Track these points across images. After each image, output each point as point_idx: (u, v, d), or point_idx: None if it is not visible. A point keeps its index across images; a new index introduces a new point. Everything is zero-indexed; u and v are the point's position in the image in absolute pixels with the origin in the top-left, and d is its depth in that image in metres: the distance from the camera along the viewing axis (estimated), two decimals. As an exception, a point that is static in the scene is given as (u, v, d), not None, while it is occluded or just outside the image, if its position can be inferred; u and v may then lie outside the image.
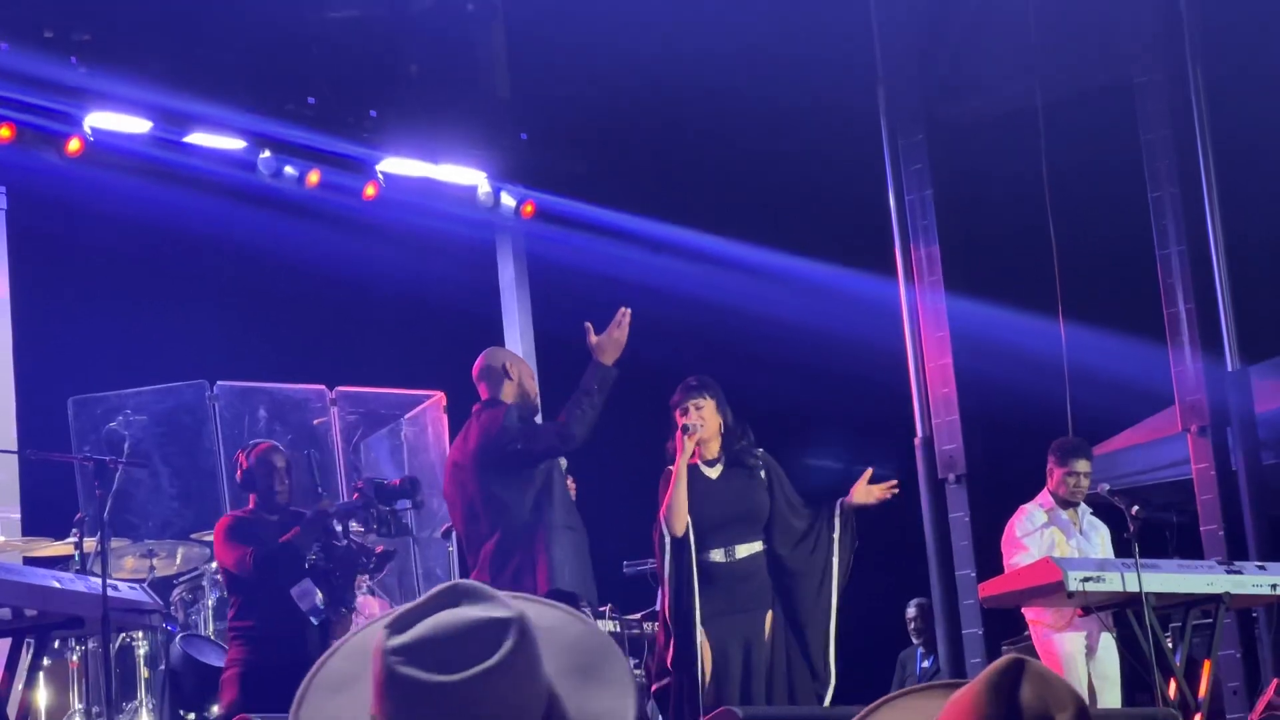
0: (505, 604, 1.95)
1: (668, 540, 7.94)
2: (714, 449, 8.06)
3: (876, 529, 13.54)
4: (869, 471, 8.16)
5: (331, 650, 2.12)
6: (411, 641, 1.92)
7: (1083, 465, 9.54)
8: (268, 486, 8.46)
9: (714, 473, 8.07)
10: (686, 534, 7.88)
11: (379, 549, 8.62)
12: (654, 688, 8.20)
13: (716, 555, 7.88)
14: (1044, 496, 9.59)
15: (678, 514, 7.87)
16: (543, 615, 2.03)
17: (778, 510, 7.97)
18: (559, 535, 7.74)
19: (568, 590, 7.66)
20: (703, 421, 7.97)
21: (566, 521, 7.82)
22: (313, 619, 8.39)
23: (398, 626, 1.95)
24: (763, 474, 8.02)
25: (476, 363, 8.04)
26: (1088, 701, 8.77)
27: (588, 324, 7.98)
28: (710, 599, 7.81)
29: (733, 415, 8.07)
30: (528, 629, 1.93)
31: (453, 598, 1.95)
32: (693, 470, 8.05)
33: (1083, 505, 9.50)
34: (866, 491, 8.09)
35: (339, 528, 8.42)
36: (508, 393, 7.86)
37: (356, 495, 8.60)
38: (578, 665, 2.02)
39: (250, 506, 8.58)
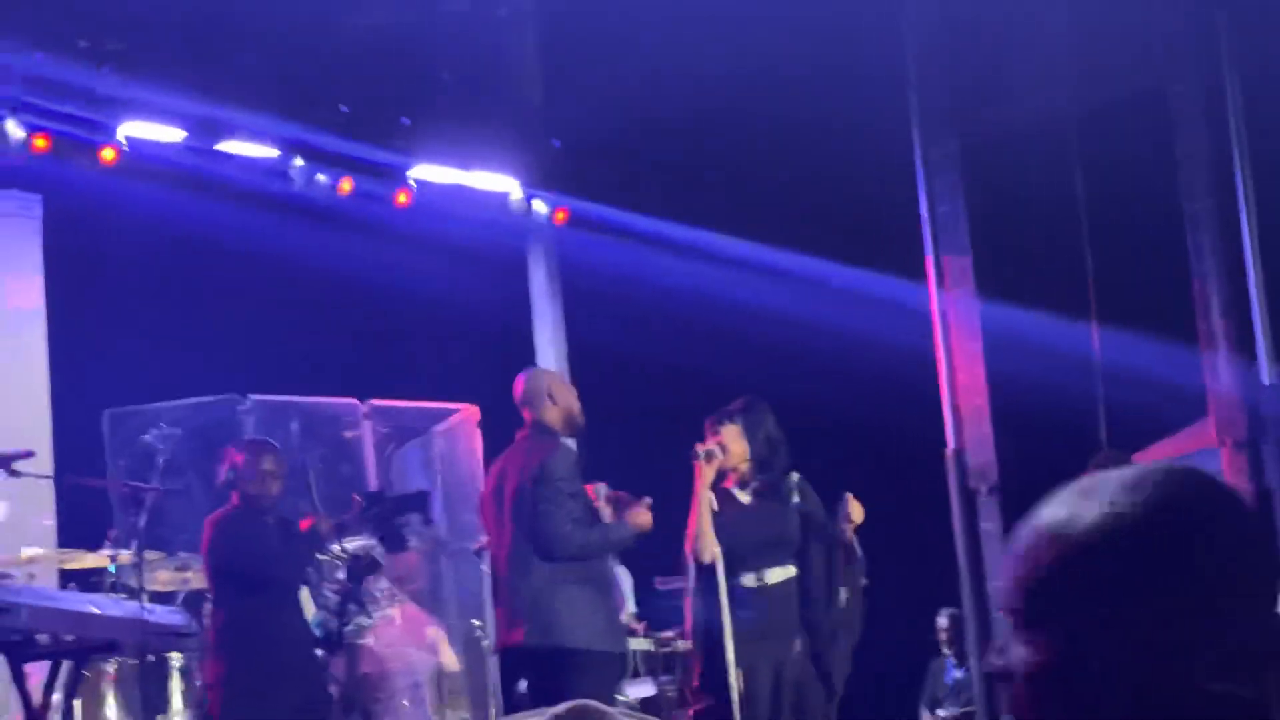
0: None
1: (693, 565, 7.96)
2: (745, 473, 8.06)
3: (909, 540, 13.59)
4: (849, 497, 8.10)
5: None
6: None
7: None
8: (261, 487, 8.42)
9: (746, 497, 8.06)
10: (715, 560, 7.88)
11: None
12: (690, 711, 8.20)
13: (748, 580, 7.88)
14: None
15: (703, 543, 7.87)
16: None
17: (807, 539, 7.96)
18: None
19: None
20: (722, 450, 7.98)
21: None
22: (316, 631, 8.43)
23: None
24: (796, 498, 8.01)
25: (518, 383, 7.96)
26: None
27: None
28: (740, 623, 7.81)
29: (767, 438, 8.05)
30: None
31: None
32: (725, 494, 8.05)
33: None
34: (857, 510, 8.05)
35: (336, 547, 8.42)
36: (554, 417, 7.81)
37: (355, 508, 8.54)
38: None
39: (235, 504, 8.51)
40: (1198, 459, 12.06)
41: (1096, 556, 1.71)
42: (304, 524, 8.48)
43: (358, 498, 8.64)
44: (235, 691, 8.20)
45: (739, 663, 7.76)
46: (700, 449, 7.98)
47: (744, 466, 8.07)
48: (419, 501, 8.56)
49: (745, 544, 7.90)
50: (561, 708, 2.02)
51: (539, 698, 7.32)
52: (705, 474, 7.92)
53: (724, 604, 7.83)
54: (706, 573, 7.92)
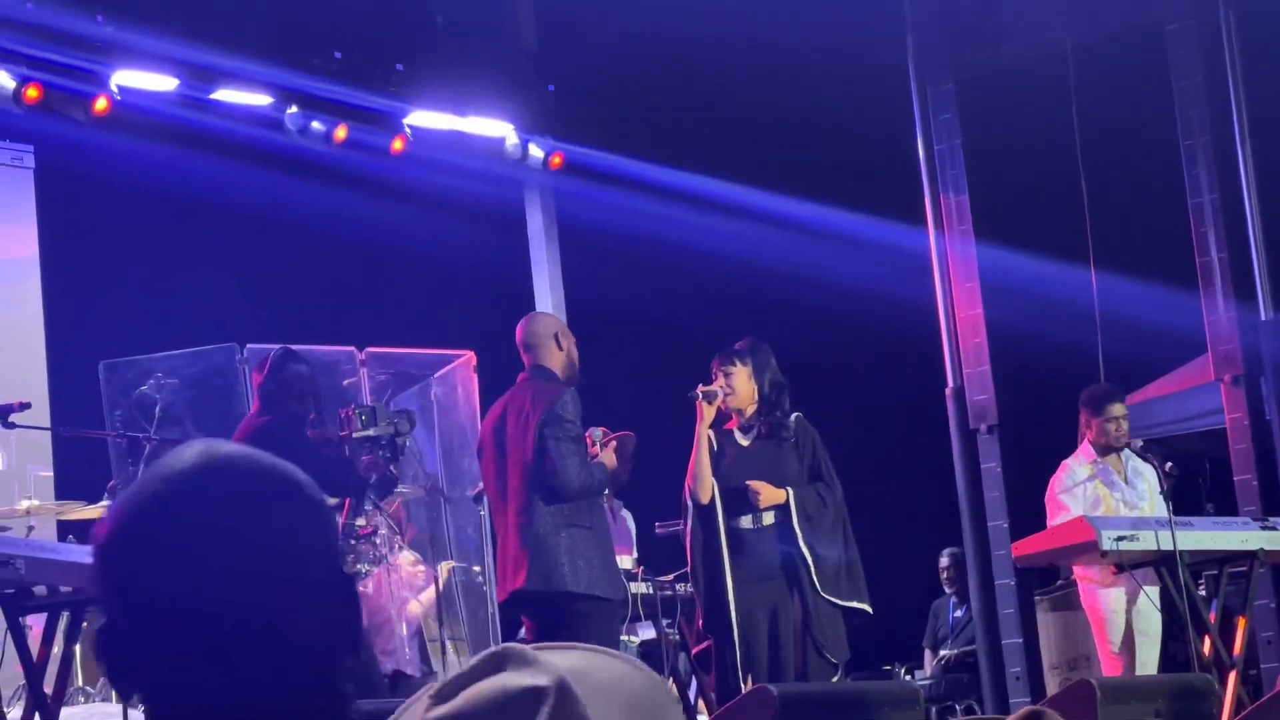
0: (546, 669, 1.93)
1: (691, 506, 7.95)
2: (749, 416, 8.05)
3: (910, 480, 13.61)
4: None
5: None
6: (451, 714, 1.91)
7: (1118, 409, 9.52)
8: (304, 406, 8.19)
9: (746, 440, 8.06)
10: (714, 500, 7.87)
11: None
12: (694, 650, 8.22)
13: (745, 522, 7.88)
14: (1085, 449, 9.57)
15: (701, 482, 7.87)
16: (605, 667, 2.01)
17: (803, 481, 7.93)
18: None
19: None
20: (730, 390, 7.95)
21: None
22: None
23: (441, 696, 1.94)
24: (794, 442, 8.00)
25: (521, 326, 7.89)
26: (1127, 659, 8.77)
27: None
28: (739, 565, 7.81)
29: (773, 381, 8.03)
30: (567, 695, 1.92)
31: (496, 664, 1.94)
32: (726, 436, 8.04)
33: (1126, 450, 9.46)
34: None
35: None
36: (556, 362, 7.75)
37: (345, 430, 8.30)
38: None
39: (267, 419, 8.09)
40: (1196, 394, 12.07)
41: (123, 531, 1.88)
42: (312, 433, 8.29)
43: (352, 411, 8.44)
44: None
45: (738, 604, 7.77)
46: (701, 389, 7.96)
47: (750, 409, 8.05)
48: (409, 418, 8.40)
49: (742, 486, 7.89)
50: (479, 656, 1.99)
51: (547, 638, 7.29)
52: (706, 414, 7.91)
53: (723, 546, 7.83)
54: (705, 514, 7.92)
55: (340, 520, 8.08)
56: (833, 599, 7.79)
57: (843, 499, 8.03)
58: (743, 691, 7.33)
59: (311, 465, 7.37)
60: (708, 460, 7.90)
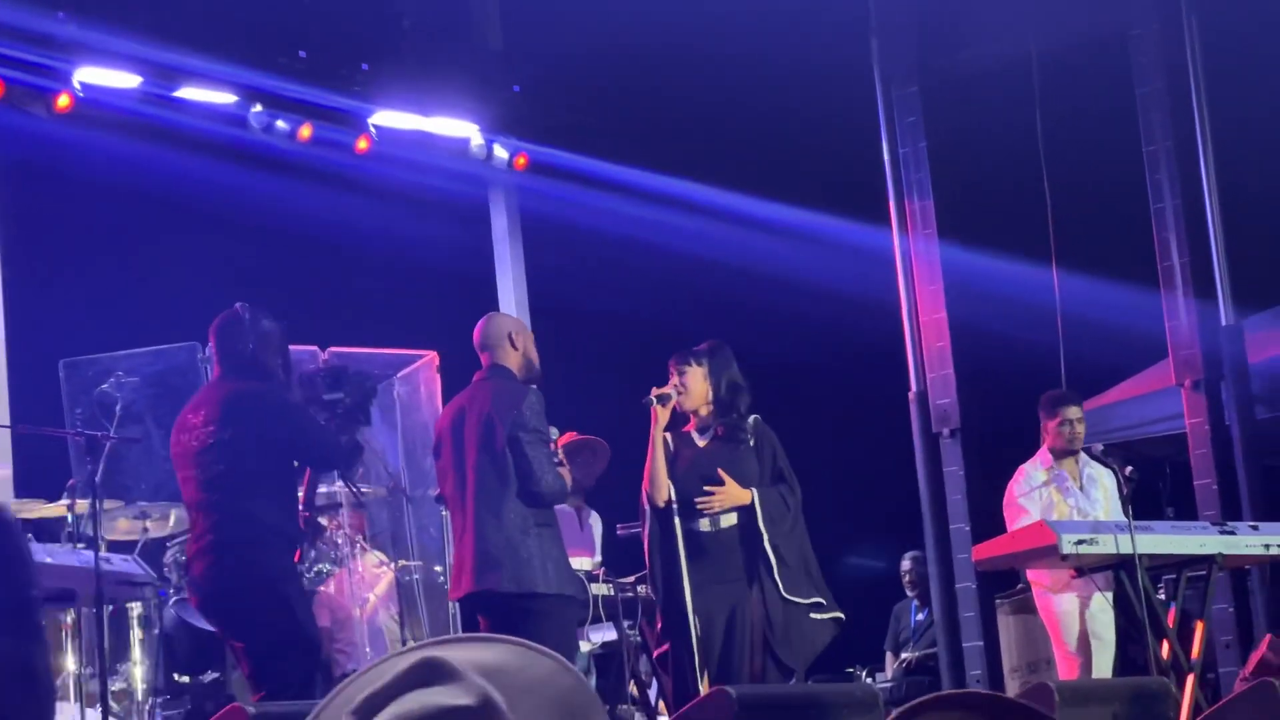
0: (471, 686, 1.91)
1: (649, 509, 7.94)
2: (705, 417, 8.04)
3: (872, 484, 13.63)
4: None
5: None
6: None
7: (1073, 412, 9.57)
8: (287, 367, 7.49)
9: (703, 441, 8.05)
10: (670, 504, 7.87)
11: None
12: (655, 653, 8.20)
13: (703, 524, 7.87)
14: (1043, 454, 9.61)
15: (657, 485, 7.86)
16: (534, 664, 2.00)
17: (763, 482, 7.92)
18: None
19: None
20: (684, 390, 7.95)
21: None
22: None
23: (362, 713, 1.91)
24: (752, 443, 7.98)
25: (478, 328, 7.86)
26: (1083, 661, 8.81)
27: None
28: (697, 568, 7.80)
29: (730, 383, 8.01)
30: (493, 713, 1.90)
31: (421, 677, 1.92)
32: (683, 438, 8.04)
33: (1083, 456, 9.50)
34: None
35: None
36: (512, 361, 7.73)
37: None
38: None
39: (255, 384, 7.28)
40: (1157, 399, 12.12)
41: None
42: None
43: (324, 358, 8.18)
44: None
45: (696, 607, 7.76)
46: (655, 393, 7.95)
47: (705, 410, 8.04)
48: (374, 384, 8.11)
49: (699, 488, 7.88)
50: (401, 665, 1.96)
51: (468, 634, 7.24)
52: (660, 417, 7.91)
53: (680, 549, 7.82)
54: (662, 517, 7.91)
55: (301, 494, 7.72)
56: (797, 599, 7.78)
57: (801, 501, 8.02)
58: (701, 694, 7.35)
59: (315, 435, 7.17)
60: (663, 463, 7.89)
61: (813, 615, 7.82)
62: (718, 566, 7.82)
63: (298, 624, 7.04)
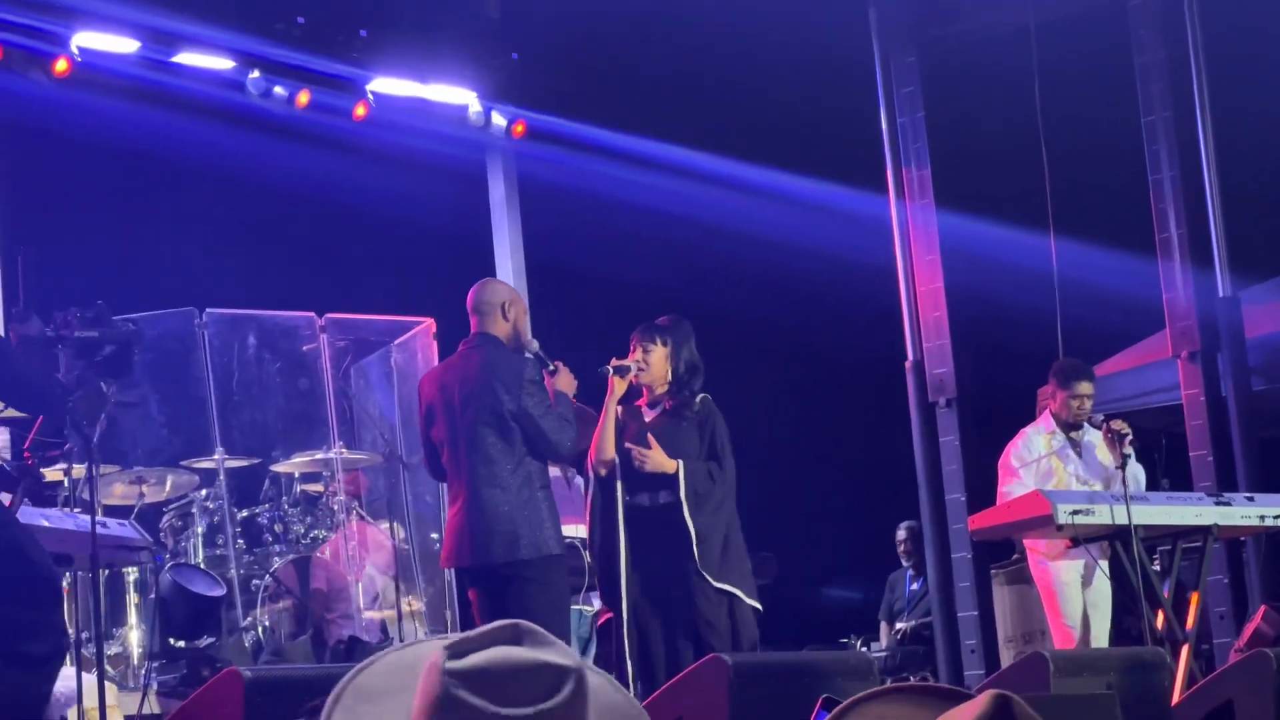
0: (567, 653, 2.00)
1: (593, 478, 7.96)
2: (659, 394, 8.06)
3: (868, 453, 13.64)
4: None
5: (369, 661, 2.13)
6: (472, 669, 1.94)
7: (1086, 387, 9.57)
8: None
9: (651, 414, 8.07)
10: (613, 474, 7.88)
11: None
12: (599, 621, 8.23)
13: (641, 499, 7.89)
14: (1045, 419, 9.62)
15: (603, 453, 7.87)
16: (589, 676, 2.06)
17: (697, 463, 7.90)
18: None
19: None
20: (645, 367, 7.96)
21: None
22: None
23: (456, 651, 1.97)
24: (697, 421, 7.99)
25: (473, 290, 7.84)
26: (1081, 630, 8.83)
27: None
28: (635, 543, 7.82)
29: (689, 363, 8.02)
30: (585, 681, 1.98)
31: (514, 635, 1.99)
32: (633, 411, 8.06)
33: (1086, 425, 9.52)
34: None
35: None
36: (501, 330, 7.72)
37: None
38: None
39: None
40: (1154, 370, 12.13)
41: None
42: None
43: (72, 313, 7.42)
44: None
45: (629, 589, 7.78)
46: (614, 364, 7.96)
47: (661, 388, 8.06)
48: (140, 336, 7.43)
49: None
50: (490, 625, 2.04)
51: (505, 611, 7.24)
52: (617, 388, 7.93)
53: (620, 522, 7.84)
54: (605, 487, 7.94)
55: (29, 438, 7.18)
56: (709, 577, 7.76)
57: (734, 483, 7.99)
58: (628, 676, 7.51)
59: (12, 368, 6.46)
60: (613, 432, 7.89)
61: (720, 586, 7.81)
62: (654, 543, 7.83)
63: None
